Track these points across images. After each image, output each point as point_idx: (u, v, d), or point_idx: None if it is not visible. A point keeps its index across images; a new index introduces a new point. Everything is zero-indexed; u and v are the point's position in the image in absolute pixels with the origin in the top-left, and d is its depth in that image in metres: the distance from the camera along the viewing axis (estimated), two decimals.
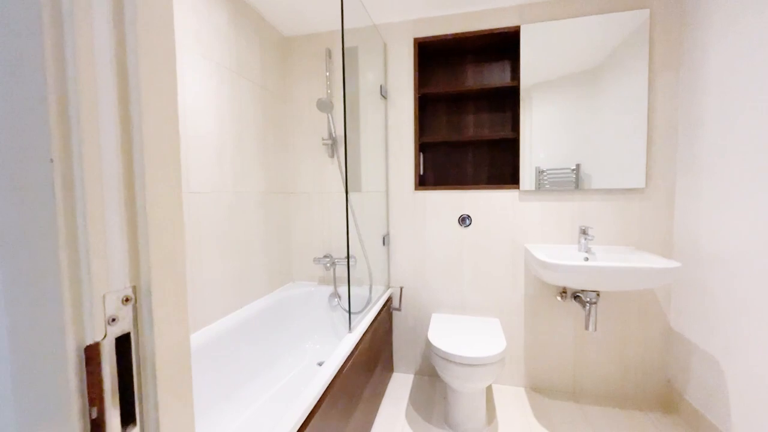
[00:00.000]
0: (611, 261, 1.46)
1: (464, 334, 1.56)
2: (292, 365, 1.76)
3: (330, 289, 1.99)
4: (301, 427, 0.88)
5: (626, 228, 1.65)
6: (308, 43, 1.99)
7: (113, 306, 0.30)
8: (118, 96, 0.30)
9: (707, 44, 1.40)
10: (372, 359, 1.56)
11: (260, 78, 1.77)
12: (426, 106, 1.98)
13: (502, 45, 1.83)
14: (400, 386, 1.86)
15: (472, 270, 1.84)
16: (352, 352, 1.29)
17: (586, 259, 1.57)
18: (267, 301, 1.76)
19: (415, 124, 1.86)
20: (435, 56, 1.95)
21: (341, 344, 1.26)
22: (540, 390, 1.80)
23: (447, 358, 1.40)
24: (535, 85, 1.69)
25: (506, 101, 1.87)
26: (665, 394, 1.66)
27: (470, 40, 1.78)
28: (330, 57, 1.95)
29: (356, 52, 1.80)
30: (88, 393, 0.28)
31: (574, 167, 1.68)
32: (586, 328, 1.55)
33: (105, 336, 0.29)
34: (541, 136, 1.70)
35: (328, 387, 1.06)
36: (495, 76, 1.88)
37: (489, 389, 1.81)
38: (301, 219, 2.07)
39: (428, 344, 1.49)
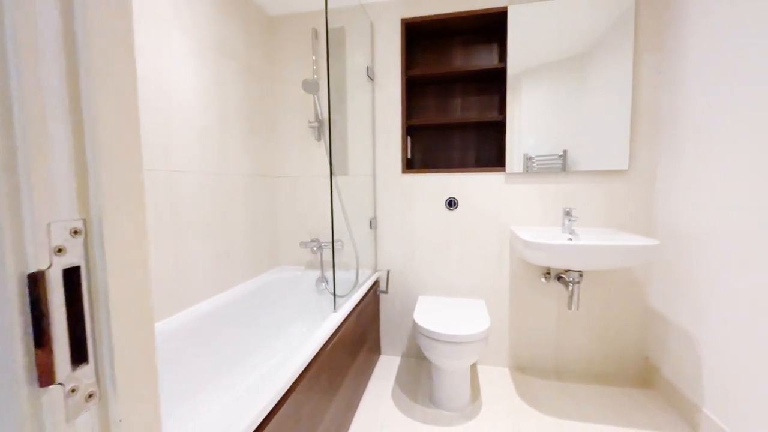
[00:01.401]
0: (592, 240, 1.48)
1: (449, 314, 1.58)
2: (279, 348, 1.76)
3: (317, 273, 1.99)
4: (281, 400, 0.88)
5: (609, 210, 1.68)
6: (294, 22, 1.95)
7: (60, 236, 0.28)
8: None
9: (687, 27, 1.41)
10: (358, 340, 1.57)
11: (245, 58, 1.73)
12: (413, 88, 1.96)
13: (490, 27, 1.82)
14: (387, 368, 1.88)
15: (459, 252, 1.86)
16: (336, 332, 1.29)
17: (570, 239, 1.59)
18: (253, 284, 1.75)
19: (403, 107, 1.85)
20: (422, 38, 1.93)
21: (325, 323, 1.26)
22: (524, 370, 1.83)
23: (431, 337, 1.41)
24: (523, 71, 1.69)
25: (494, 84, 1.86)
26: (643, 370, 1.70)
27: (458, 21, 1.77)
28: (316, 37, 1.92)
29: (343, 32, 1.78)
30: (34, 325, 0.28)
31: (561, 153, 1.69)
32: (569, 308, 1.58)
33: (50, 265, 0.28)
34: (529, 121, 1.71)
35: (310, 364, 1.06)
36: (483, 58, 1.87)
37: (474, 369, 1.84)
38: (288, 203, 2.05)
39: (414, 325, 1.51)
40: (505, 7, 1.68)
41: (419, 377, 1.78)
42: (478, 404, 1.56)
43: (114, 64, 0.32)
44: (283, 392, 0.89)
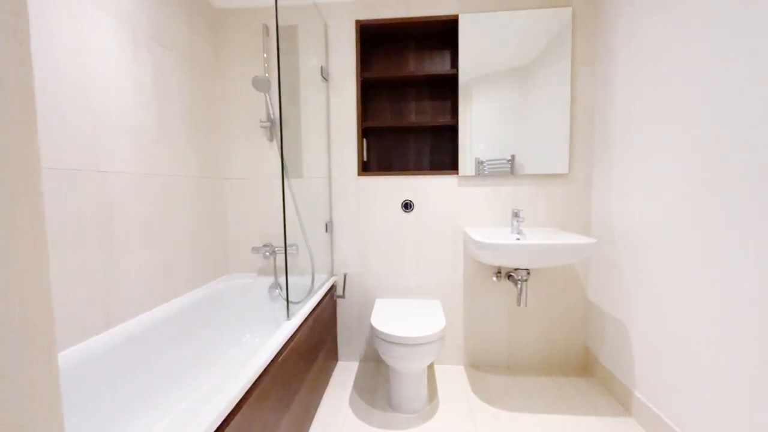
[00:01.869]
0: (538, 239, 1.57)
1: (406, 316, 1.58)
2: (229, 361, 1.65)
3: (270, 279, 1.90)
4: (228, 417, 0.82)
5: (552, 210, 1.79)
6: (243, 17, 1.85)
7: None
8: None
9: (616, 43, 1.55)
10: (314, 347, 1.52)
11: (188, 50, 1.62)
12: (369, 91, 1.96)
13: (443, 34, 1.87)
14: (344, 374, 1.84)
15: (415, 254, 1.88)
16: (290, 340, 1.24)
17: (518, 239, 1.67)
18: (200, 294, 1.63)
19: (358, 109, 1.84)
20: (378, 41, 1.93)
21: (277, 332, 1.20)
22: (478, 366, 1.89)
23: (388, 340, 1.40)
24: (474, 78, 1.75)
25: (447, 89, 1.92)
26: (584, 360, 1.84)
27: (412, 26, 1.79)
28: (267, 34, 1.85)
29: (295, 30, 1.72)
30: None
31: (509, 158, 1.78)
32: (518, 304, 1.66)
33: None
34: (480, 127, 1.77)
35: (261, 376, 1.00)
36: (436, 64, 1.92)
37: (431, 369, 1.86)
38: (237, 206, 1.94)
39: (371, 329, 1.49)
40: (457, 16, 1.73)
41: (377, 382, 1.77)
42: (435, 404, 1.57)
43: None
44: (230, 409, 0.83)
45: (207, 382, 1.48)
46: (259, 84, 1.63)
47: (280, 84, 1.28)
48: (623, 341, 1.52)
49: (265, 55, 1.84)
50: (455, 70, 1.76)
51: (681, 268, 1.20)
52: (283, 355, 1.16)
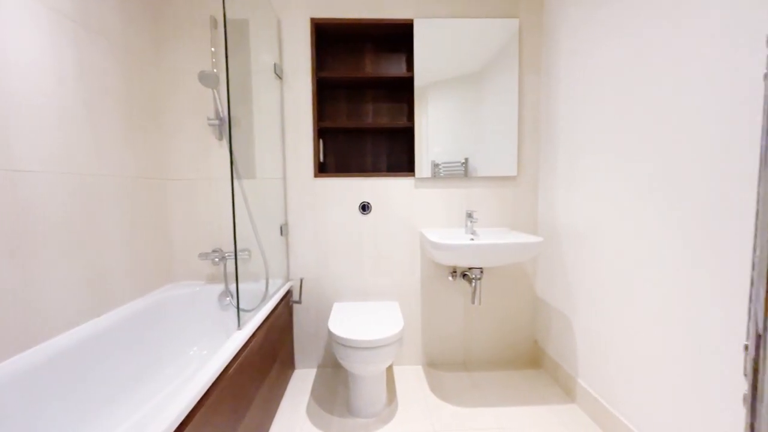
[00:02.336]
0: (490, 239, 1.63)
1: (364, 319, 1.56)
2: (174, 376, 1.53)
3: (220, 287, 1.79)
4: None
5: (503, 211, 1.88)
6: (188, 7, 1.73)
7: None
8: None
9: (558, 54, 1.66)
10: (268, 357, 1.45)
11: (121, 38, 1.47)
12: (325, 91, 1.92)
13: (400, 37, 1.88)
14: (301, 382, 1.78)
15: (373, 256, 1.87)
16: (241, 351, 1.17)
17: (472, 239, 1.72)
18: (138, 305, 1.49)
19: (314, 109, 1.79)
20: (334, 41, 1.90)
21: (227, 344, 1.12)
22: (436, 365, 1.92)
23: (346, 344, 1.38)
24: (429, 83, 1.79)
25: (403, 92, 1.93)
26: (533, 353, 1.94)
27: (369, 27, 1.79)
28: (216, 27, 1.74)
29: (246, 25, 1.65)
30: None
31: (464, 161, 1.83)
32: (473, 302, 1.72)
33: None
34: (435, 130, 1.81)
35: (208, 391, 0.93)
36: (392, 66, 1.93)
37: (389, 371, 1.86)
38: (183, 209, 1.80)
39: (329, 333, 1.45)
40: (412, 20, 1.76)
41: (336, 388, 1.73)
42: (394, 406, 1.57)
43: None
44: (175, 427, 0.76)
45: (148, 403, 1.35)
46: (206, 79, 1.53)
47: (229, 80, 1.21)
48: (568, 333, 1.63)
49: (213, 49, 1.74)
50: (411, 73, 1.79)
51: (613, 262, 1.31)
52: (233, 367, 1.09)
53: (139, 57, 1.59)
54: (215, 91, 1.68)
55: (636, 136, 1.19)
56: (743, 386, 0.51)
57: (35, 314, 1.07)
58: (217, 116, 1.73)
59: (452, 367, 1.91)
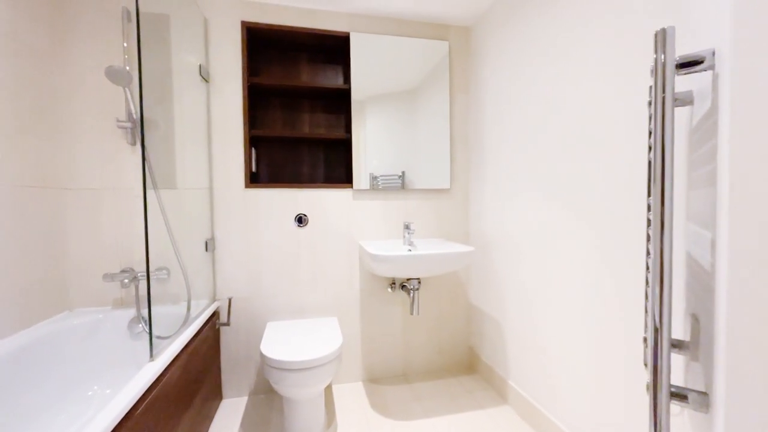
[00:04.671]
0: (427, 250, 1.68)
1: (300, 338, 1.48)
2: (64, 425, 1.27)
3: (131, 312, 1.56)
4: None
5: (438, 222, 1.95)
6: None
7: None
8: None
9: (484, 76, 1.80)
10: (189, 388, 1.29)
11: (10, 27, 1.24)
12: (258, 98, 1.83)
13: (336, 48, 1.88)
14: (230, 412, 1.61)
15: (310, 270, 1.79)
16: (154, 386, 1.01)
17: (410, 250, 1.75)
18: (21, 340, 1.22)
19: (245, 115, 1.69)
20: (269, 47, 1.83)
21: (135, 379, 0.97)
22: (376, 380, 1.89)
23: (280, 367, 1.28)
24: (367, 97, 1.81)
25: (341, 104, 1.92)
26: (468, 359, 2.02)
27: (305, 36, 1.76)
28: (129, 20, 1.56)
29: (167, 21, 1.51)
30: None
31: (401, 174, 1.87)
32: (411, 313, 1.73)
33: None
34: (373, 143, 1.82)
35: None
36: (329, 78, 1.92)
37: (328, 391, 1.78)
38: (84, 223, 1.55)
39: (261, 356, 1.34)
40: (348, 33, 1.77)
41: (269, 416, 1.60)
42: (333, 428, 1.50)
43: None
44: None
45: None
46: (116, 76, 1.36)
47: (141, 76, 1.08)
48: (500, 338, 1.72)
49: (125, 45, 1.55)
50: (348, 85, 1.79)
51: (537, 268, 1.42)
52: (143, 405, 0.93)
53: (32, 49, 1.35)
54: (127, 89, 1.49)
55: (555, 151, 1.33)
56: (645, 376, 0.56)
57: None
58: (129, 118, 1.53)
59: (393, 380, 1.89)
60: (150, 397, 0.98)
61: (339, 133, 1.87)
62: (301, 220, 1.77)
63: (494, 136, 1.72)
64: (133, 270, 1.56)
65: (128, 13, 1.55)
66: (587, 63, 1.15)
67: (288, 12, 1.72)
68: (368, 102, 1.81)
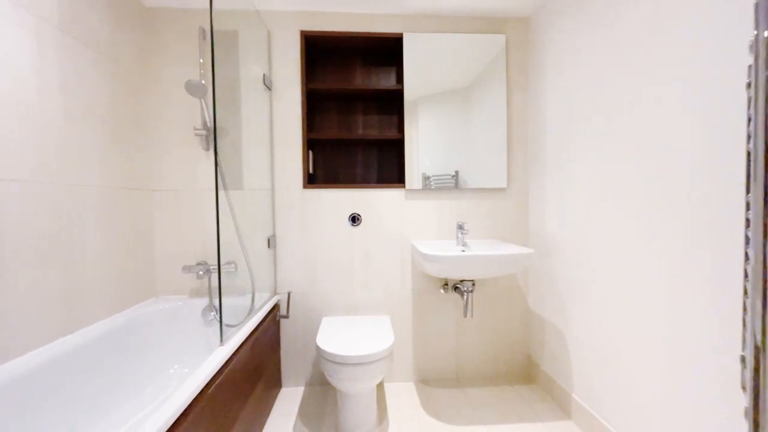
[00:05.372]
0: (481, 251, 1.62)
1: (354, 334, 1.52)
2: (152, 396, 1.45)
3: (204, 301, 1.72)
4: None
5: (494, 223, 1.87)
6: (178, 18, 1.73)
7: None
8: None
9: (544, 70, 1.69)
10: (253, 374, 1.39)
11: (111, 50, 1.46)
12: (315, 102, 1.92)
13: (389, 50, 1.91)
14: (288, 401, 1.71)
15: (363, 269, 1.83)
16: (223, 368, 1.11)
17: (463, 251, 1.70)
18: (115, 321, 1.42)
19: (303, 120, 1.79)
20: (324, 53, 1.92)
21: (207, 361, 1.07)
22: (428, 381, 1.87)
23: (335, 360, 1.32)
24: (419, 97, 1.80)
25: (393, 105, 1.94)
26: (527, 368, 1.90)
27: (359, 41, 1.81)
28: (204, 38, 1.74)
29: (236, 36, 1.65)
30: None
31: (454, 173, 1.83)
32: (465, 315, 1.68)
33: None
34: (426, 143, 1.81)
35: (187, 410, 0.88)
36: (382, 79, 1.94)
37: (380, 388, 1.80)
38: (168, 221, 1.75)
39: (317, 350, 1.40)
40: (401, 34, 1.78)
41: (324, 407, 1.66)
42: (385, 425, 1.51)
43: None
44: None
45: (124, 424, 1.27)
46: (193, 89, 1.52)
47: (215, 89, 1.20)
48: (562, 347, 1.60)
49: (201, 60, 1.73)
50: (401, 86, 1.80)
51: (606, 274, 1.29)
52: (214, 385, 1.03)
53: (129, 68, 1.57)
54: (202, 101, 1.66)
55: (624, 150, 1.20)
56: (742, 399, 0.49)
57: (6, 331, 1.01)
58: (204, 126, 1.70)
59: (445, 383, 1.85)
60: (220, 378, 1.07)
61: (391, 134, 1.89)
62: (354, 219, 1.82)
63: (557, 134, 1.61)
64: (206, 263, 1.73)
65: (203, 32, 1.73)
66: (669, 55, 1.02)
67: (343, 18, 1.78)
68: (421, 102, 1.81)
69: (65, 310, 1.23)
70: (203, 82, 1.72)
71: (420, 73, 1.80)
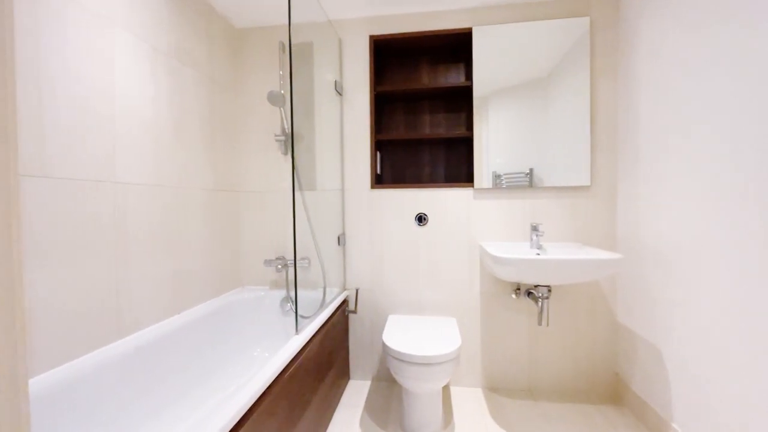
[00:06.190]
0: (560, 254, 1.49)
1: (420, 333, 1.51)
2: (238, 374, 1.62)
3: (282, 293, 1.88)
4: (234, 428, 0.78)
5: (574, 225, 1.70)
6: (262, 35, 1.91)
7: None
8: None
9: (638, 53, 1.49)
10: (324, 364, 1.47)
11: (207, 68, 1.67)
12: (382, 104, 1.96)
13: (457, 46, 1.86)
14: (356, 393, 1.77)
15: (429, 269, 1.82)
16: (298, 356, 1.20)
17: (538, 254, 1.59)
18: (212, 306, 1.62)
19: (371, 122, 1.84)
20: (391, 55, 1.95)
21: (285, 347, 1.16)
22: (497, 390, 1.78)
23: (401, 359, 1.34)
24: (489, 92, 1.72)
25: (461, 101, 1.89)
26: (614, 387, 1.70)
27: (425, 39, 1.80)
28: (284, 51, 1.89)
29: (311, 47, 1.76)
30: None
31: (528, 171, 1.72)
32: (539, 323, 1.56)
33: None
34: (496, 140, 1.73)
35: (266, 392, 0.97)
36: (450, 76, 1.91)
37: (446, 391, 1.77)
38: (251, 219, 1.95)
39: (383, 346, 1.43)
40: (470, 28, 1.73)
41: (390, 402, 1.69)
42: (450, 429, 1.48)
43: None
44: (231, 426, 0.79)
45: (215, 396, 1.45)
46: (274, 99, 1.66)
47: (292, 98, 1.30)
48: (658, 367, 1.39)
49: (281, 72, 1.88)
50: (469, 82, 1.74)
51: (723, 286, 1.09)
52: (290, 370, 1.12)
53: (221, 83, 1.78)
54: (282, 109, 1.81)
55: (737, 145, 1.00)
56: None
57: (127, 309, 1.22)
58: (283, 132, 1.85)
59: (516, 393, 1.75)
60: (295, 364, 1.16)
61: (459, 132, 1.84)
62: (421, 219, 1.81)
63: (656, 126, 1.41)
64: (284, 258, 1.88)
65: (283, 45, 1.88)
66: None
67: (410, 18, 1.79)
68: (491, 97, 1.73)
69: (174, 293, 1.44)
70: (282, 92, 1.88)
71: (490, 67, 1.72)
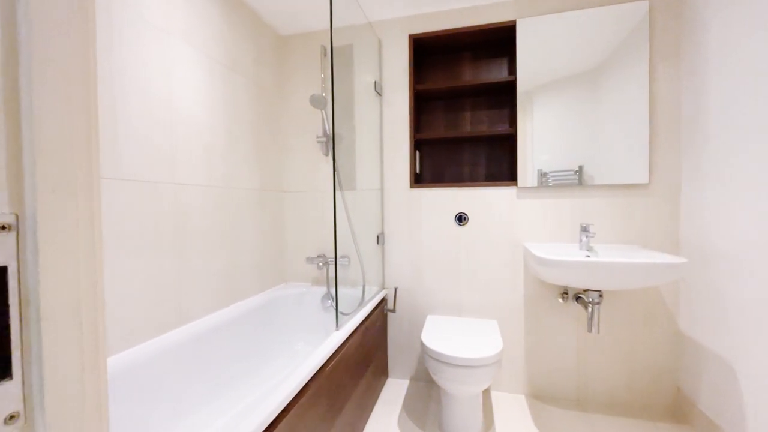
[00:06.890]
0: (613, 257, 1.38)
1: (459, 335, 1.49)
2: (281, 367, 1.70)
3: (323, 290, 1.94)
4: (273, 423, 0.82)
5: (629, 225, 1.58)
6: (304, 41, 1.99)
7: None
8: None
9: (706, 34, 1.35)
10: (362, 361, 1.50)
11: (254, 75, 1.77)
12: (422, 103, 1.95)
13: (499, 40, 1.80)
14: (394, 391, 1.78)
15: (469, 270, 1.78)
16: (338, 351, 1.23)
17: (588, 256, 1.49)
18: (258, 300, 1.71)
19: (410, 121, 1.83)
20: (431, 53, 1.93)
21: (326, 342, 1.20)
22: (541, 398, 1.70)
23: (440, 359, 1.32)
24: (534, 86, 1.65)
25: (504, 97, 1.83)
26: (676, 403, 1.55)
27: (466, 35, 1.76)
28: (325, 55, 1.95)
29: (351, 49, 1.79)
30: None
31: (577, 169, 1.62)
32: (589, 330, 1.47)
33: None
34: (541, 136, 1.65)
35: (307, 385, 1.00)
36: (492, 72, 1.85)
37: (486, 396, 1.72)
38: (295, 218, 2.03)
39: (422, 346, 1.42)
40: (514, 21, 1.66)
41: (428, 403, 1.68)
42: None
43: (61, 60, 0.29)
44: (275, 416, 0.83)
45: (261, 387, 1.53)
46: (316, 102, 1.72)
47: (334, 100, 1.33)
48: (730, 384, 1.25)
49: (322, 75, 1.94)
50: (513, 77, 1.68)
51: None
52: (330, 365, 1.15)
53: (266, 88, 1.88)
54: (323, 111, 1.87)
55: None
56: None
57: (187, 300, 1.33)
58: (324, 134, 1.91)
59: (562, 402, 1.65)
60: (335, 359, 1.19)
61: (502, 129, 1.78)
62: (461, 218, 1.78)
63: (729, 114, 1.27)
64: (325, 256, 1.94)
65: (324, 49, 1.94)
66: None
67: (450, 15, 1.76)
68: (536, 91, 1.65)
69: (225, 287, 1.54)
70: (324, 94, 1.94)
71: (535, 60, 1.65)
